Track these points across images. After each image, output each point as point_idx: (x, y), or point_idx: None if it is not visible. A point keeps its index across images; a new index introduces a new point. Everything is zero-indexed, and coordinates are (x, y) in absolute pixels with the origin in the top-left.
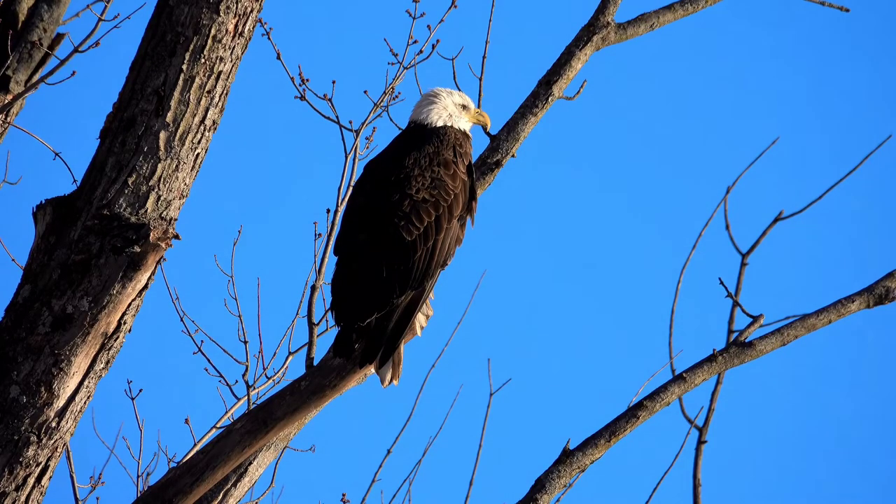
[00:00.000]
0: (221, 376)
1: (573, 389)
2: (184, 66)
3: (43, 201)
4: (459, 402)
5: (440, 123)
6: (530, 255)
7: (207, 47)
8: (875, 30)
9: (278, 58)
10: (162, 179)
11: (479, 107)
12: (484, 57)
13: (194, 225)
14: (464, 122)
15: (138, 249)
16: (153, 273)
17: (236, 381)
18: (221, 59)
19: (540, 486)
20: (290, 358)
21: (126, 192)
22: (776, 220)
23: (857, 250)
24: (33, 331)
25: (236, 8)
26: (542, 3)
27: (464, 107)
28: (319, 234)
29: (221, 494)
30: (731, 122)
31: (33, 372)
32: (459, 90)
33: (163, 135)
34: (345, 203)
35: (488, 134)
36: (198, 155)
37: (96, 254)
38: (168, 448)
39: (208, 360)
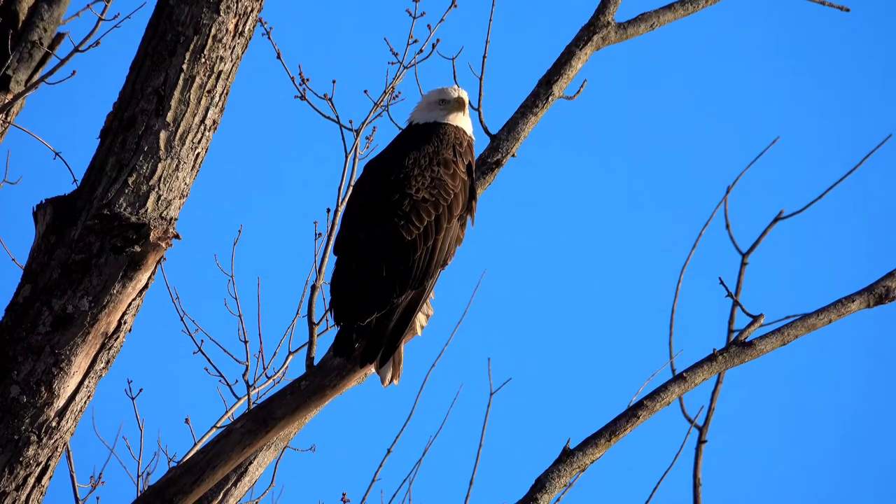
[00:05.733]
0: (221, 376)
1: (573, 389)
2: (184, 66)
3: (43, 201)
4: (459, 402)
5: (422, 122)
6: (530, 254)
7: (208, 47)
8: (875, 30)
9: (278, 58)
10: (162, 179)
11: (479, 106)
12: (484, 57)
13: (194, 225)
14: (442, 116)
15: (138, 249)
16: (153, 273)
17: (236, 381)
18: (222, 58)
19: (540, 485)
20: (291, 358)
21: (126, 191)
22: (776, 220)
23: (857, 250)
24: (33, 330)
25: (236, 7)
26: (542, 3)
27: (442, 100)
28: (319, 234)
29: (221, 494)
30: (731, 122)
31: (33, 371)
32: (458, 88)
33: (163, 134)
34: (345, 203)
35: (488, 133)
36: (198, 155)
37: (96, 253)
38: (168, 448)
39: (208, 360)
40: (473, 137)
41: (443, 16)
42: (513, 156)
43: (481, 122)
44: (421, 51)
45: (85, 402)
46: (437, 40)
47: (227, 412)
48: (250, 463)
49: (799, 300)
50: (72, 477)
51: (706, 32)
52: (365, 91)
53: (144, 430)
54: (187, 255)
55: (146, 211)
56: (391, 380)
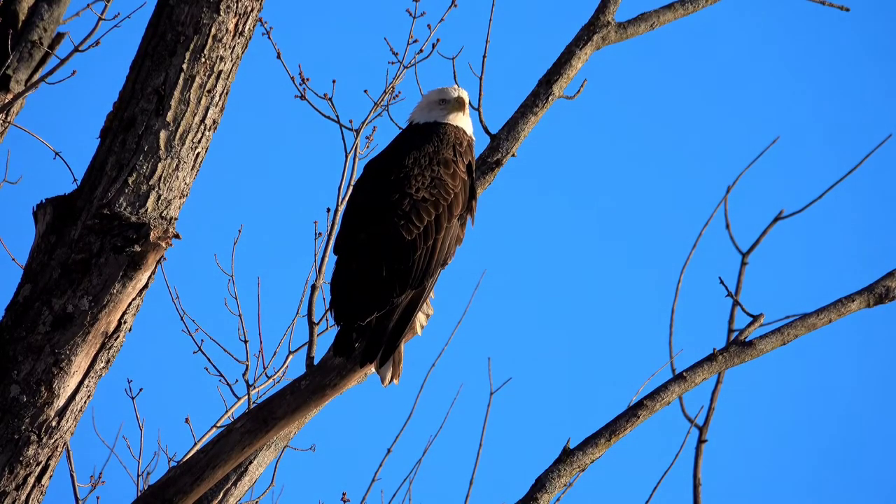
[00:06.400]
0: (222, 376)
1: (573, 389)
2: (184, 66)
3: (43, 200)
4: (459, 401)
5: (422, 121)
6: (530, 255)
7: (208, 46)
8: (875, 30)
9: (278, 57)
10: (162, 179)
11: (479, 106)
12: (484, 56)
13: (194, 225)
14: (443, 116)
15: (138, 249)
16: (153, 272)
17: (236, 381)
18: (222, 58)
19: (540, 485)
20: (291, 357)
21: (126, 191)
22: (776, 219)
23: (857, 250)
24: (34, 330)
25: (236, 7)
26: (542, 3)
27: (442, 100)
28: (319, 234)
29: (221, 494)
30: (731, 122)
31: (33, 371)
32: (458, 87)
33: (163, 134)
34: (345, 202)
35: (488, 133)
36: (198, 154)
37: (96, 253)
38: (168, 447)
39: (208, 360)
40: (473, 137)
41: (443, 16)
42: (513, 155)
43: (481, 121)
44: (421, 51)
45: (85, 402)
46: (437, 40)
47: (227, 412)
48: (250, 463)
49: (799, 300)
50: (72, 477)
51: (706, 32)
52: (365, 91)
53: (144, 430)
54: (187, 255)
55: (146, 210)
56: (391, 379)
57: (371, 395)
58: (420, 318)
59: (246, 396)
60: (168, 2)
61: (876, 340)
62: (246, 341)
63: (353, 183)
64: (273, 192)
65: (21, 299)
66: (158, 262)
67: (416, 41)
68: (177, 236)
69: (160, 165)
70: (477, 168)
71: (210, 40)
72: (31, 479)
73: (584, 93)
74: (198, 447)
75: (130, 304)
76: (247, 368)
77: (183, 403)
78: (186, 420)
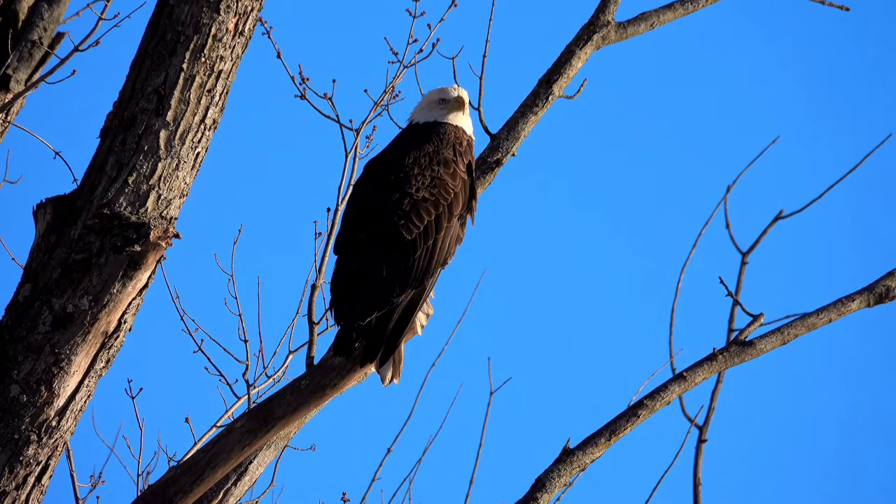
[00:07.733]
0: (222, 375)
1: (573, 389)
2: (184, 65)
3: (43, 200)
4: (459, 401)
5: (422, 121)
6: (530, 254)
7: (208, 46)
8: (875, 30)
9: (278, 57)
10: (162, 178)
11: (479, 106)
12: (484, 56)
13: (194, 224)
14: (443, 116)
15: (138, 248)
16: (153, 272)
17: (236, 380)
18: (222, 58)
19: (540, 485)
20: (291, 357)
21: (126, 191)
22: (776, 219)
23: (857, 250)
24: (34, 330)
25: (237, 7)
26: (542, 3)
27: (442, 100)
28: (319, 234)
29: (222, 493)
30: (731, 122)
31: (34, 371)
32: (458, 87)
33: (163, 134)
34: (345, 202)
35: (488, 133)
36: (198, 154)
37: (96, 253)
38: (168, 447)
39: (208, 360)
40: (473, 137)
41: (443, 16)
42: (513, 155)
43: (481, 121)
44: (421, 50)
45: (85, 402)
46: (437, 40)
47: (227, 412)
48: (250, 462)
49: (799, 300)
50: (72, 476)
51: (706, 32)
52: (365, 91)
53: (144, 430)
54: (187, 254)
55: (146, 210)
56: (391, 379)
57: (371, 395)
58: (420, 318)
59: (246, 396)
60: (168, 1)
61: (876, 340)
62: (246, 341)
63: (353, 183)
64: (273, 192)
65: (21, 299)
66: (158, 261)
67: (416, 41)
68: (177, 236)
69: (160, 165)
70: (477, 168)
71: (210, 40)
72: (31, 479)
73: (584, 93)
74: (198, 447)
75: (130, 303)
76: (247, 368)
77: (183, 403)
78: (186, 420)
